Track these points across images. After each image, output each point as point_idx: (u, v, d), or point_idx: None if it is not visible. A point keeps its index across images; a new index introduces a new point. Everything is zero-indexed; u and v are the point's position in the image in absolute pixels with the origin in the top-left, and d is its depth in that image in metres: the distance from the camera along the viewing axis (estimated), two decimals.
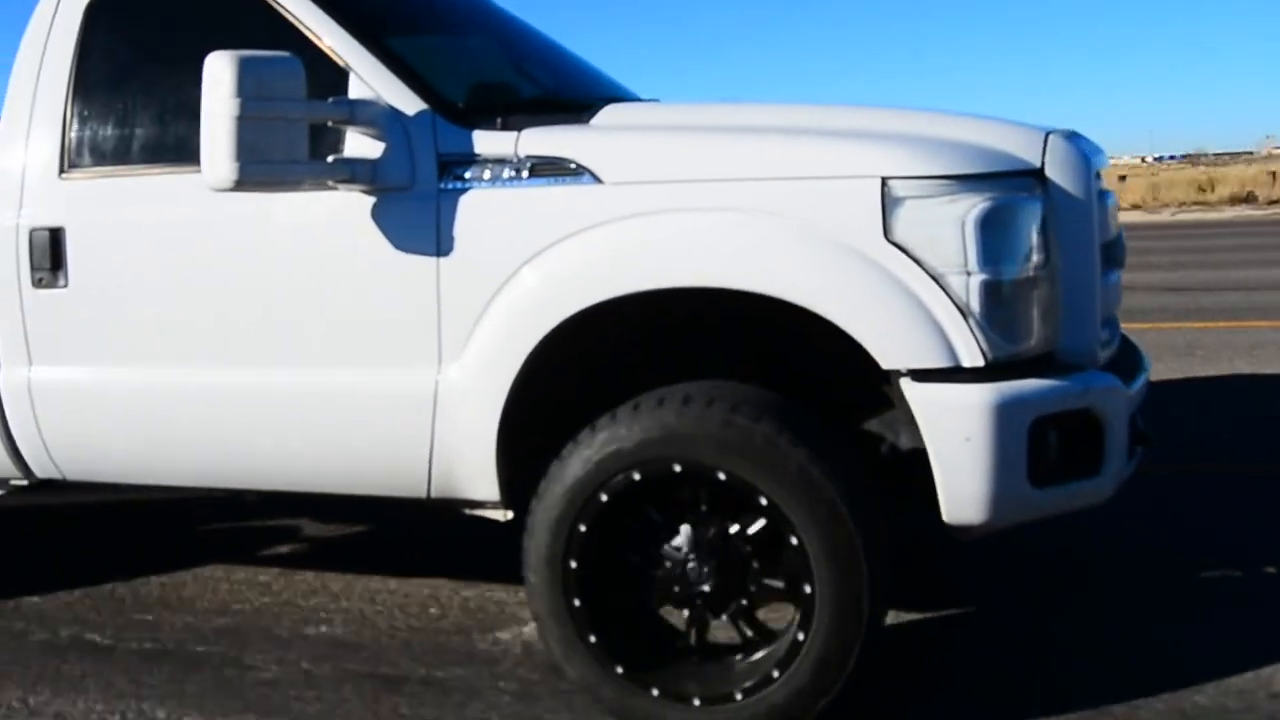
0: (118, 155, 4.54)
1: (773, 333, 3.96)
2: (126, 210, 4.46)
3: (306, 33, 4.29)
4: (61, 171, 4.56)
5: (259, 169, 3.86)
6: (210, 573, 5.83)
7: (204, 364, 4.37)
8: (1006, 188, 3.68)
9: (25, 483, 4.90)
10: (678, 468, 3.70)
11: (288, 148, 3.91)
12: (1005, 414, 3.56)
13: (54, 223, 4.51)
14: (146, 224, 4.44)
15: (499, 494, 4.08)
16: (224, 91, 3.79)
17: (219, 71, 3.80)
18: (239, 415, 4.35)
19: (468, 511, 4.28)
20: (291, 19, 4.32)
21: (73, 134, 4.57)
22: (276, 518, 6.54)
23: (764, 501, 3.64)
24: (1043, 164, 3.78)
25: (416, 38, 4.90)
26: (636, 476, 3.74)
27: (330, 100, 4.10)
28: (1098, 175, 4.07)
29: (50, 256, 4.51)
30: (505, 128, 4.06)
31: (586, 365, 4.06)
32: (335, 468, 4.30)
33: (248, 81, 3.80)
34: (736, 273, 3.71)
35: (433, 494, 4.21)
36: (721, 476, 3.66)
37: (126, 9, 4.66)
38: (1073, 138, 3.96)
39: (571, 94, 5.01)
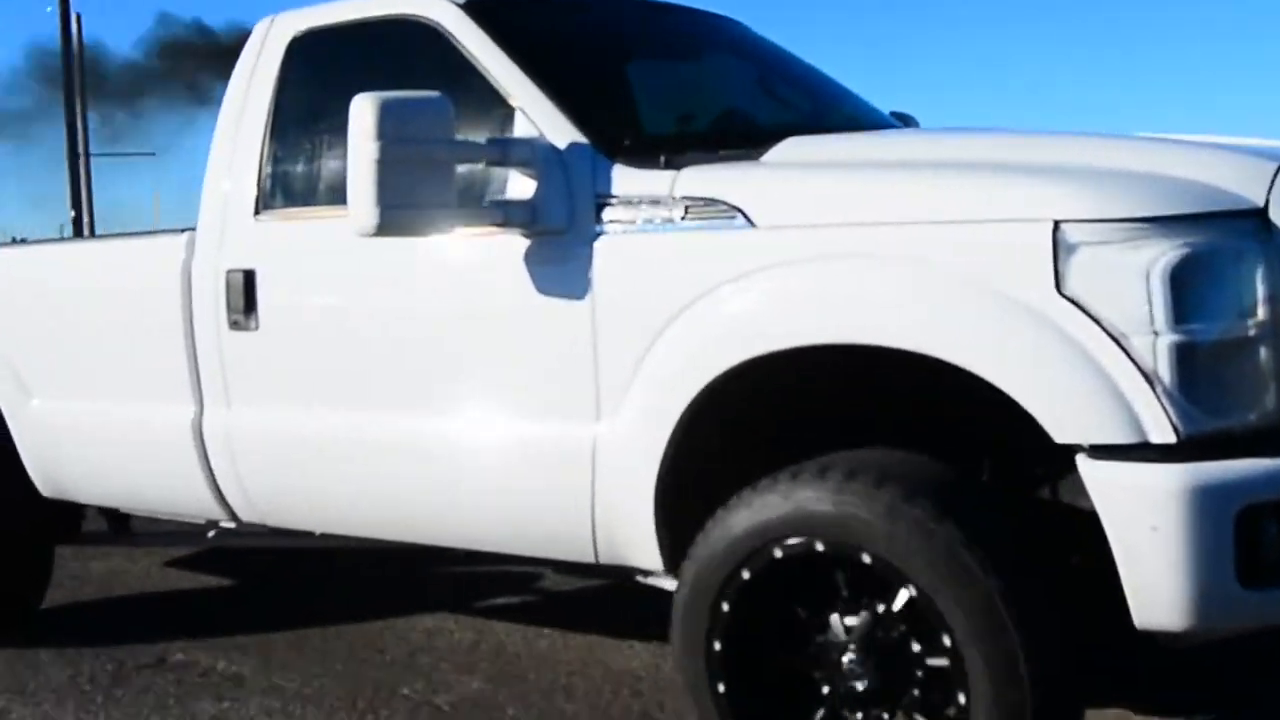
0: (305, 196, 4.49)
1: (952, 394, 3.50)
2: (305, 253, 4.39)
3: (482, 70, 4.11)
4: (256, 213, 4.53)
5: (403, 214, 3.68)
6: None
7: (368, 411, 4.27)
8: (1210, 231, 3.09)
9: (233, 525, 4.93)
10: (820, 547, 3.30)
11: (434, 191, 3.72)
12: (1202, 500, 2.98)
13: (247, 265, 4.49)
14: (319, 267, 4.37)
15: (662, 561, 3.77)
16: (365, 134, 3.64)
17: (361, 114, 3.65)
18: (400, 464, 4.21)
19: (640, 580, 3.99)
20: (469, 56, 4.16)
21: (267, 173, 4.54)
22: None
23: (912, 592, 3.19)
24: (1267, 202, 3.16)
25: (613, 70, 4.65)
26: (778, 554, 3.36)
27: (484, 140, 3.91)
28: None
29: (244, 298, 4.49)
30: (667, 166, 3.76)
31: (751, 422, 3.70)
32: (498, 525, 4.09)
33: (389, 124, 3.63)
34: (889, 329, 3.28)
35: (600, 559, 3.93)
36: (866, 559, 3.24)
37: (323, 47, 4.61)
38: None
39: (782, 122, 4.63)
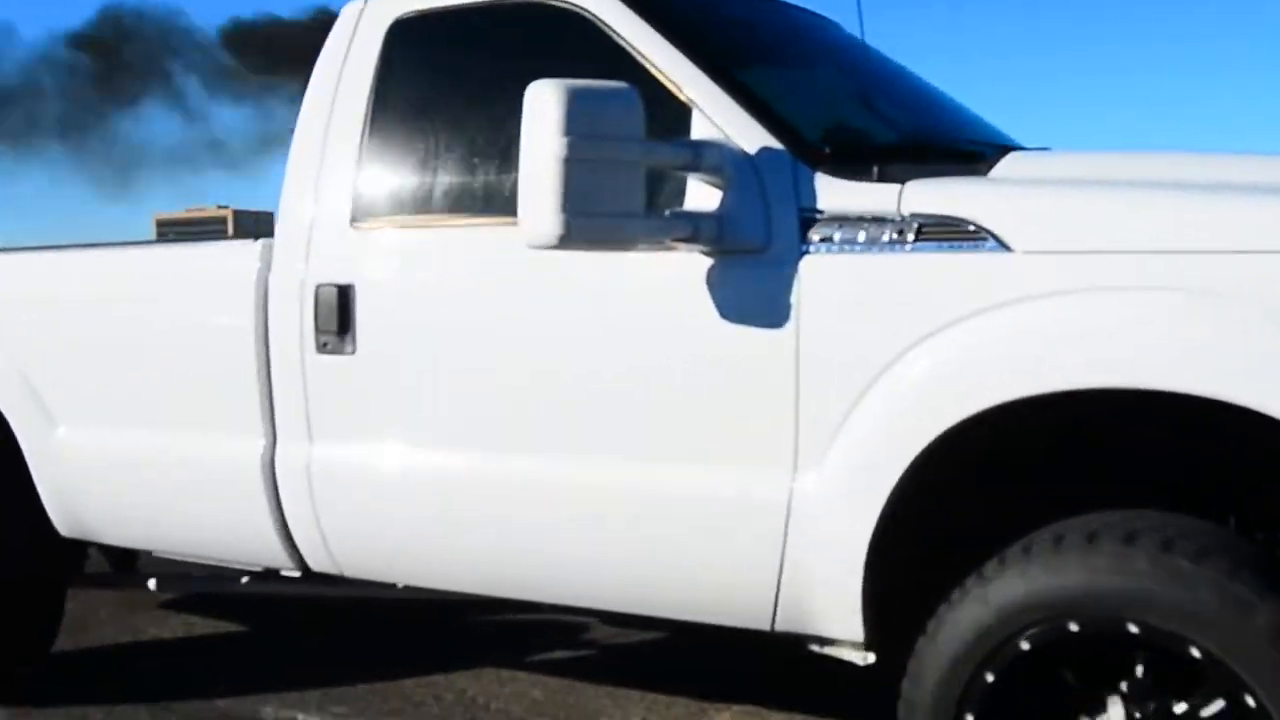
0: (420, 203, 3.94)
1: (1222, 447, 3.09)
2: (423, 267, 3.85)
3: (644, 62, 3.59)
4: (354, 220, 3.96)
5: (589, 223, 3.15)
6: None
7: (499, 451, 3.72)
8: None
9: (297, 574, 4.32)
10: (1134, 629, 2.83)
11: (623, 197, 3.20)
12: None
13: (342, 279, 3.92)
14: (443, 283, 3.83)
15: (861, 631, 3.29)
16: (550, 129, 3.11)
17: (544, 105, 3.12)
18: (542, 513, 3.66)
19: (816, 649, 3.50)
20: (626, 45, 3.63)
21: (367, 176, 3.98)
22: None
23: (1249, 702, 2.73)
24: None
25: (771, 70, 4.18)
26: (1072, 628, 2.89)
27: (672, 141, 3.40)
28: None
29: (338, 317, 3.92)
30: (884, 179, 3.29)
31: (983, 476, 3.24)
32: (655, 586, 3.57)
33: (578, 117, 3.11)
34: (1186, 373, 2.83)
35: (778, 626, 3.43)
36: (1194, 653, 2.78)
37: (436, 34, 4.07)
38: None
39: (954, 139, 4.17)
